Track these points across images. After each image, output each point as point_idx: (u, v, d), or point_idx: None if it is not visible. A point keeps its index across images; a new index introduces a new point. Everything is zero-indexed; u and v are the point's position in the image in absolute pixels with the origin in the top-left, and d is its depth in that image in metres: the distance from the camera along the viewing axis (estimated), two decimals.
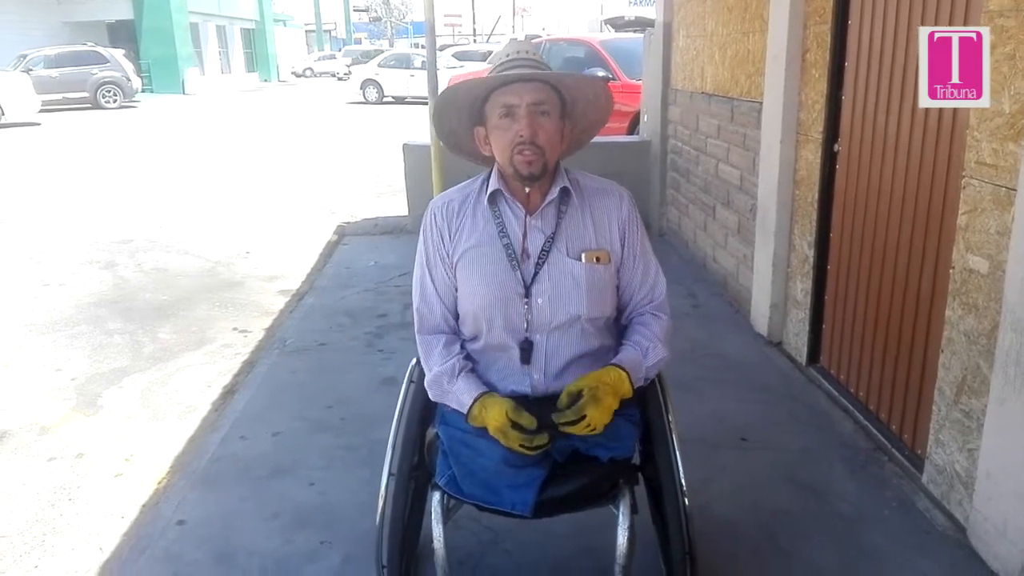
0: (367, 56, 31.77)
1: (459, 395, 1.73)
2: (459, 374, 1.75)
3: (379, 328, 4.13)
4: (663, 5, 5.70)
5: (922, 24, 2.53)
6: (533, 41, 13.28)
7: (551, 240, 1.76)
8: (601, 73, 8.81)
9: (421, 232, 1.85)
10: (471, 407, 1.70)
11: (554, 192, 1.76)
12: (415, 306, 1.86)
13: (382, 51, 30.24)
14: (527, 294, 1.74)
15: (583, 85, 1.78)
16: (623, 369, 1.72)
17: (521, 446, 1.62)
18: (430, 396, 1.80)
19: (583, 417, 1.62)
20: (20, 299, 4.97)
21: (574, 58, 10.19)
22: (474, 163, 1.89)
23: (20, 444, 3.11)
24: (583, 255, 1.77)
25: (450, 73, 13.50)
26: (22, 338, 4.29)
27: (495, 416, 1.65)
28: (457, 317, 1.84)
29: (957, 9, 2.35)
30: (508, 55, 1.73)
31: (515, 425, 1.62)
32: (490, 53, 13.86)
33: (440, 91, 1.69)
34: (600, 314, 1.79)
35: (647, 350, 1.78)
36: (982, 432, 2.19)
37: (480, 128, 1.77)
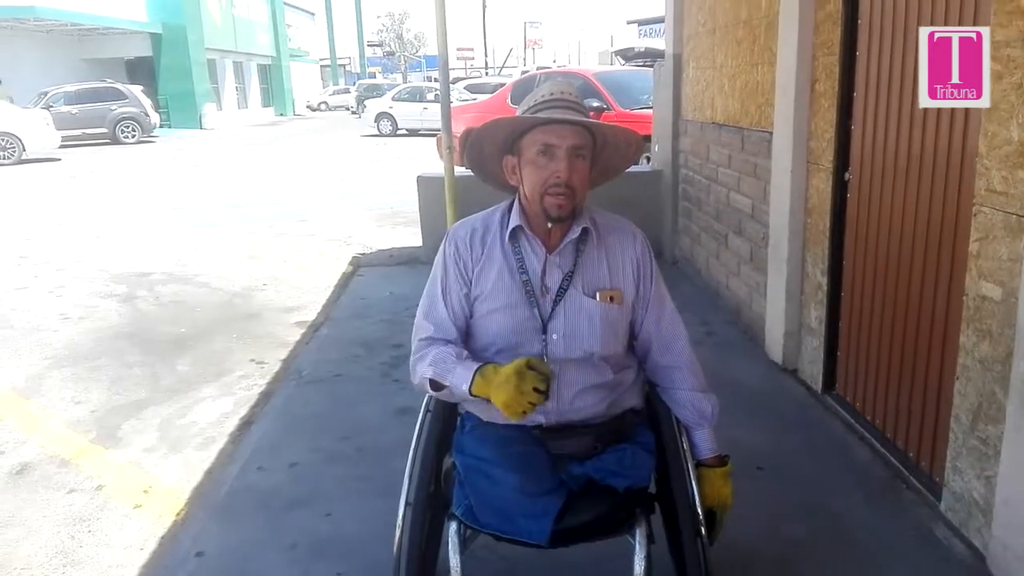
0: (371, 91, 32.40)
1: (463, 370, 1.70)
2: (465, 358, 1.73)
3: (394, 358, 4.16)
4: (673, 38, 5.78)
5: None
6: (528, 74, 13.45)
7: (569, 278, 1.79)
8: (596, 103, 9.02)
9: (441, 255, 1.86)
10: (475, 372, 1.68)
11: (576, 231, 1.79)
12: (418, 322, 1.84)
13: (396, 85, 30.66)
14: (544, 330, 1.77)
15: (619, 135, 1.81)
16: (710, 464, 1.88)
17: (535, 390, 1.59)
18: (426, 373, 1.75)
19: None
20: (41, 332, 5.03)
21: None
22: (494, 187, 1.90)
23: (41, 476, 3.14)
24: (597, 294, 1.79)
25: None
26: (43, 371, 4.34)
27: (510, 367, 1.63)
28: (465, 342, 1.85)
29: None
30: (552, 93, 1.72)
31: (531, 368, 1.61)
32: (502, 86, 14.04)
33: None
34: (612, 352, 1.81)
35: (705, 413, 1.89)
36: (999, 459, 2.18)
37: (510, 157, 1.79)
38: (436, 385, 1.77)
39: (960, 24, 2.39)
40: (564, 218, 1.74)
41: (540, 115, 1.69)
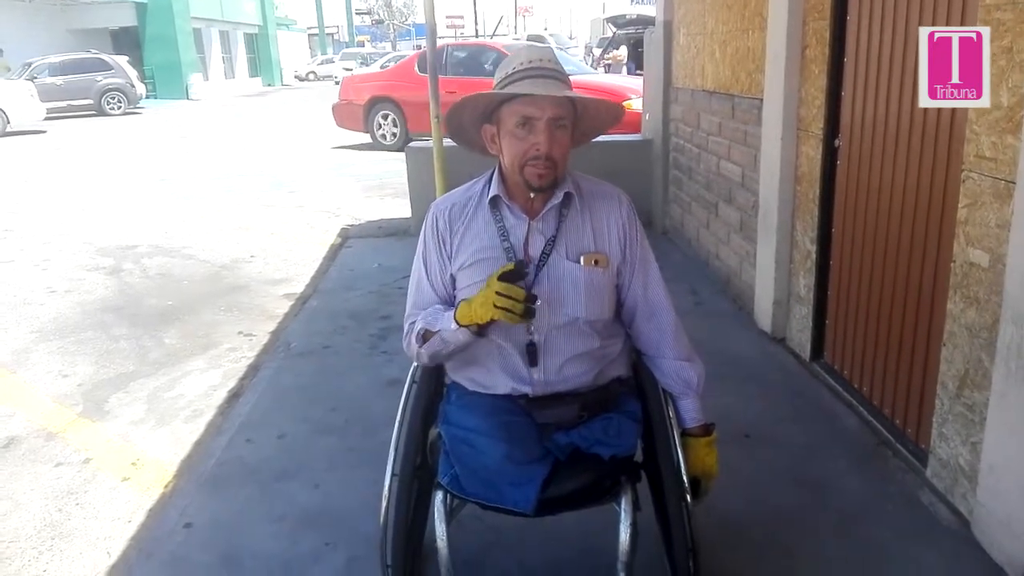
0: (361, 59, 31.92)
1: (449, 312, 1.72)
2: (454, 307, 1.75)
3: (383, 330, 4.14)
4: (663, 4, 5.70)
5: (920, 19, 2.53)
6: (440, 46, 13.53)
7: (551, 243, 1.77)
8: None
9: (422, 233, 1.86)
10: (457, 308, 1.70)
11: (558, 197, 1.77)
12: (409, 307, 1.87)
13: (385, 53, 30.29)
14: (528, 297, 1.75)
15: (600, 106, 1.79)
16: (695, 433, 1.87)
17: (503, 297, 1.60)
18: (418, 328, 1.78)
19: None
20: (27, 306, 4.99)
21: (477, 61, 11.33)
22: (477, 153, 1.87)
23: (28, 450, 3.13)
24: (582, 258, 1.77)
25: None
26: (29, 344, 4.31)
27: (482, 292, 1.65)
28: None
29: (955, 3, 2.35)
30: (530, 61, 1.69)
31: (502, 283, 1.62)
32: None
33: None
34: (598, 317, 1.80)
35: (690, 383, 1.88)
36: (985, 426, 2.19)
37: (489, 126, 1.76)
38: (427, 336, 1.76)
39: None
40: (546, 188, 1.72)
41: (519, 85, 1.66)
